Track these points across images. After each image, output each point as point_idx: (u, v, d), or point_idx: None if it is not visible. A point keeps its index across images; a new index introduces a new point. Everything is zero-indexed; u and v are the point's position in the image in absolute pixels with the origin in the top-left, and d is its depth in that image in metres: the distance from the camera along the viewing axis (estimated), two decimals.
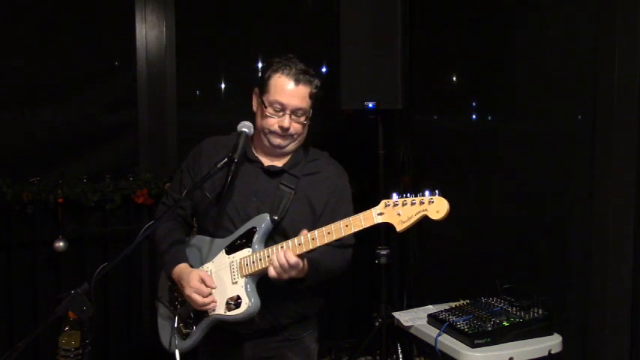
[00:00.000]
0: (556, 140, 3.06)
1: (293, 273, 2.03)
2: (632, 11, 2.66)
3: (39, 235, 3.49)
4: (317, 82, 2.24)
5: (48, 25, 3.59)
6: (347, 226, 1.95)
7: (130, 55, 3.71)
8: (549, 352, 2.69)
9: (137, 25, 3.72)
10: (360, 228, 1.94)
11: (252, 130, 2.23)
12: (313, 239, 1.99)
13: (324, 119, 4.12)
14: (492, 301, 3.00)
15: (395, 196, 1.89)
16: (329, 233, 1.97)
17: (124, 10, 3.71)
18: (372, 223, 1.92)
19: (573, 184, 2.96)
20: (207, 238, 2.28)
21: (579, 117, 2.96)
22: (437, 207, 1.82)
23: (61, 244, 3.41)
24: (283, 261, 2.00)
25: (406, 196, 1.87)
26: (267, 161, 2.27)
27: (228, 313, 2.12)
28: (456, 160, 3.80)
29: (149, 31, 3.73)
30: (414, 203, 1.84)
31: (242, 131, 2.21)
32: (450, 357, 2.69)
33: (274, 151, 2.25)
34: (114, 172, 3.61)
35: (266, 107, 2.18)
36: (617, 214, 2.74)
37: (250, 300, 2.10)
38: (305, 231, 2.03)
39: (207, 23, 3.94)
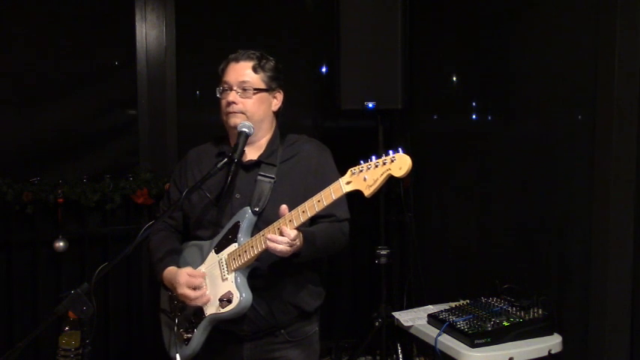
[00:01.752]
0: (556, 140, 3.07)
1: (298, 243, 2.04)
2: (632, 11, 2.66)
3: (39, 235, 3.49)
4: (263, 60, 2.29)
5: (48, 25, 3.59)
6: (319, 201, 1.96)
7: (130, 55, 3.71)
8: (549, 352, 2.69)
9: (137, 25, 3.71)
10: (332, 200, 1.95)
11: (253, 129, 2.24)
12: (290, 221, 2.00)
13: (324, 119, 4.13)
14: (492, 301, 3.00)
15: (362, 162, 1.90)
16: (304, 212, 1.98)
17: (124, 10, 3.71)
18: (341, 193, 1.93)
19: (573, 184, 2.96)
20: (201, 242, 2.30)
21: (579, 117, 2.96)
22: (399, 164, 1.82)
23: (61, 244, 3.41)
24: (291, 236, 2.00)
25: (371, 160, 1.88)
26: (244, 157, 2.28)
27: (222, 311, 2.13)
28: (456, 160, 3.80)
29: (149, 31, 3.73)
30: (378, 165, 1.85)
31: (242, 131, 2.22)
32: (450, 357, 2.69)
33: (236, 135, 2.28)
34: (114, 172, 3.61)
35: (220, 94, 2.29)
36: (617, 214, 2.74)
37: (241, 294, 2.11)
38: (284, 206, 2.04)
39: (208, 23, 3.94)
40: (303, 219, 1.99)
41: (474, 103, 3.72)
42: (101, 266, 1.94)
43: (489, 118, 3.63)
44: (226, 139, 2.36)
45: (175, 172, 2.46)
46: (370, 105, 3.37)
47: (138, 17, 3.71)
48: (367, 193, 1.87)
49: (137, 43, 3.71)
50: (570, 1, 2.99)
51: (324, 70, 4.16)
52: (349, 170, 1.92)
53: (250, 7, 3.96)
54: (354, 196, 2.31)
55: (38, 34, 3.55)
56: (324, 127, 4.12)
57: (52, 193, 3.41)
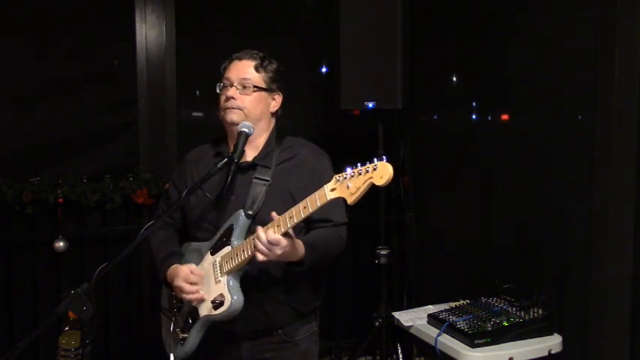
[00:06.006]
0: (556, 140, 3.07)
1: (278, 251, 2.00)
2: (632, 11, 2.66)
3: (39, 235, 3.49)
4: (265, 61, 2.29)
5: (48, 25, 3.58)
6: (305, 207, 1.95)
7: (130, 55, 3.71)
8: (549, 352, 2.69)
9: (137, 25, 3.71)
10: (317, 207, 1.93)
11: (252, 130, 2.24)
12: (278, 226, 1.99)
13: (324, 119, 4.13)
14: (492, 301, 3.00)
15: (348, 169, 1.87)
16: (290, 217, 1.97)
17: (123, 10, 3.70)
18: (325, 200, 1.91)
19: (573, 184, 2.96)
20: (199, 244, 2.30)
21: (579, 117, 2.96)
22: (380, 172, 1.80)
23: (61, 244, 3.41)
24: (263, 239, 1.98)
25: (356, 167, 1.86)
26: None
27: (215, 312, 2.14)
28: (456, 160, 3.80)
29: (149, 31, 3.73)
30: (361, 173, 1.83)
31: (242, 131, 2.22)
32: (450, 357, 2.70)
33: (233, 132, 2.27)
34: (114, 172, 3.61)
35: (220, 90, 2.29)
36: (617, 214, 2.74)
37: (233, 297, 2.11)
38: (274, 214, 2.03)
39: (208, 23, 3.94)
40: (290, 224, 1.97)
41: (474, 103, 3.73)
42: (101, 266, 1.94)
43: (489, 117, 3.63)
44: (224, 140, 2.36)
45: (175, 172, 2.47)
46: (370, 105, 3.37)
47: (138, 17, 3.71)
48: (350, 200, 1.85)
49: (137, 43, 3.71)
50: (570, 1, 2.99)
51: (324, 70, 4.16)
52: (334, 177, 1.90)
53: (250, 7, 3.96)
54: None
55: (38, 34, 3.55)
56: (324, 127, 4.12)
57: (52, 193, 3.41)
